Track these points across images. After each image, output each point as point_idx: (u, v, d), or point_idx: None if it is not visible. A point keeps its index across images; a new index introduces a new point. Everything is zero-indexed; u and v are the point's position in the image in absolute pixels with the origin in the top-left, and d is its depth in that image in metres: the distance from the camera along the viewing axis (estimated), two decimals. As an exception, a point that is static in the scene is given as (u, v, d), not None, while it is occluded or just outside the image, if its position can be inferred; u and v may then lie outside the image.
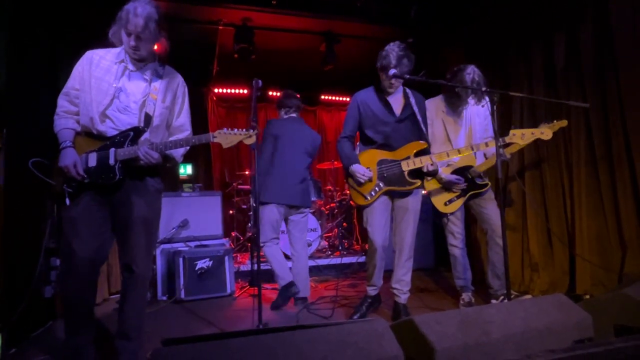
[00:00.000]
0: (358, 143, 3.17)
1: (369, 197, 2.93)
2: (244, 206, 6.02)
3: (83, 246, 2.05)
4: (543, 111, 3.54)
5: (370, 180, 2.91)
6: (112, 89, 2.13)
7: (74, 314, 2.11)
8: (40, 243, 2.79)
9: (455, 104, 3.16)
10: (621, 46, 2.93)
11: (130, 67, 2.20)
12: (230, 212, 5.77)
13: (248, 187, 6.01)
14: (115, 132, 2.13)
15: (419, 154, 2.90)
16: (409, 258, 3.02)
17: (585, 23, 3.20)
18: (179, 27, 4.84)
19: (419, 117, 2.94)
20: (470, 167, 3.14)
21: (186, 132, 2.35)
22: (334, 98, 7.75)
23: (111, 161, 2.09)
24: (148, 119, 2.17)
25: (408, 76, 2.75)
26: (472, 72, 2.94)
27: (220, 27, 4.91)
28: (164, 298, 3.95)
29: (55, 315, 3.13)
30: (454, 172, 3.15)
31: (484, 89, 2.65)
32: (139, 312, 2.24)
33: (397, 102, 2.99)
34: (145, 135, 2.17)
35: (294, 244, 3.71)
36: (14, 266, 2.53)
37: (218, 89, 6.89)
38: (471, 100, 3.13)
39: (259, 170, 3.38)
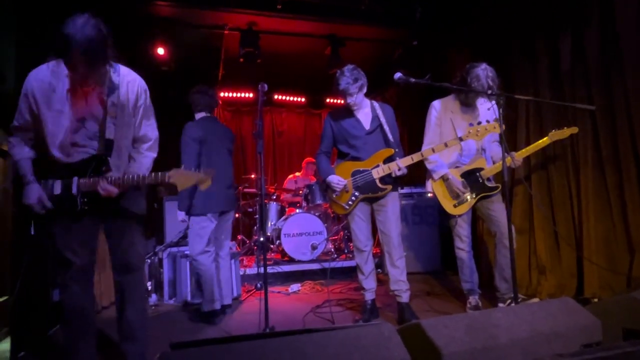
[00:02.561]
0: (336, 158, 3.28)
1: (347, 207, 3.09)
2: (250, 209, 6.04)
3: (75, 256, 2.06)
4: (549, 113, 3.51)
5: (346, 190, 3.06)
6: (76, 115, 2.04)
7: (73, 321, 2.10)
8: (49, 246, 2.80)
9: (466, 102, 3.17)
10: (627, 46, 2.92)
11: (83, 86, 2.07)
12: (236, 215, 5.79)
13: (254, 190, 6.03)
14: (86, 156, 2.07)
15: (388, 160, 3.02)
16: (400, 257, 3.07)
17: (590, 23, 3.18)
18: (185, 32, 4.88)
19: (386, 127, 3.08)
20: (481, 169, 3.14)
21: (149, 142, 2.26)
22: (339, 101, 7.73)
23: (73, 190, 2.04)
24: (109, 144, 2.09)
25: (413, 80, 2.76)
26: (485, 69, 2.98)
27: (226, 32, 4.94)
28: (171, 302, 3.97)
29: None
30: (464, 174, 3.16)
31: (489, 92, 2.64)
32: (142, 311, 2.25)
33: (365, 116, 3.15)
34: (113, 160, 2.10)
35: (219, 250, 3.56)
36: (23, 269, 2.55)
37: (224, 92, 6.92)
38: (482, 99, 3.14)
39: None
